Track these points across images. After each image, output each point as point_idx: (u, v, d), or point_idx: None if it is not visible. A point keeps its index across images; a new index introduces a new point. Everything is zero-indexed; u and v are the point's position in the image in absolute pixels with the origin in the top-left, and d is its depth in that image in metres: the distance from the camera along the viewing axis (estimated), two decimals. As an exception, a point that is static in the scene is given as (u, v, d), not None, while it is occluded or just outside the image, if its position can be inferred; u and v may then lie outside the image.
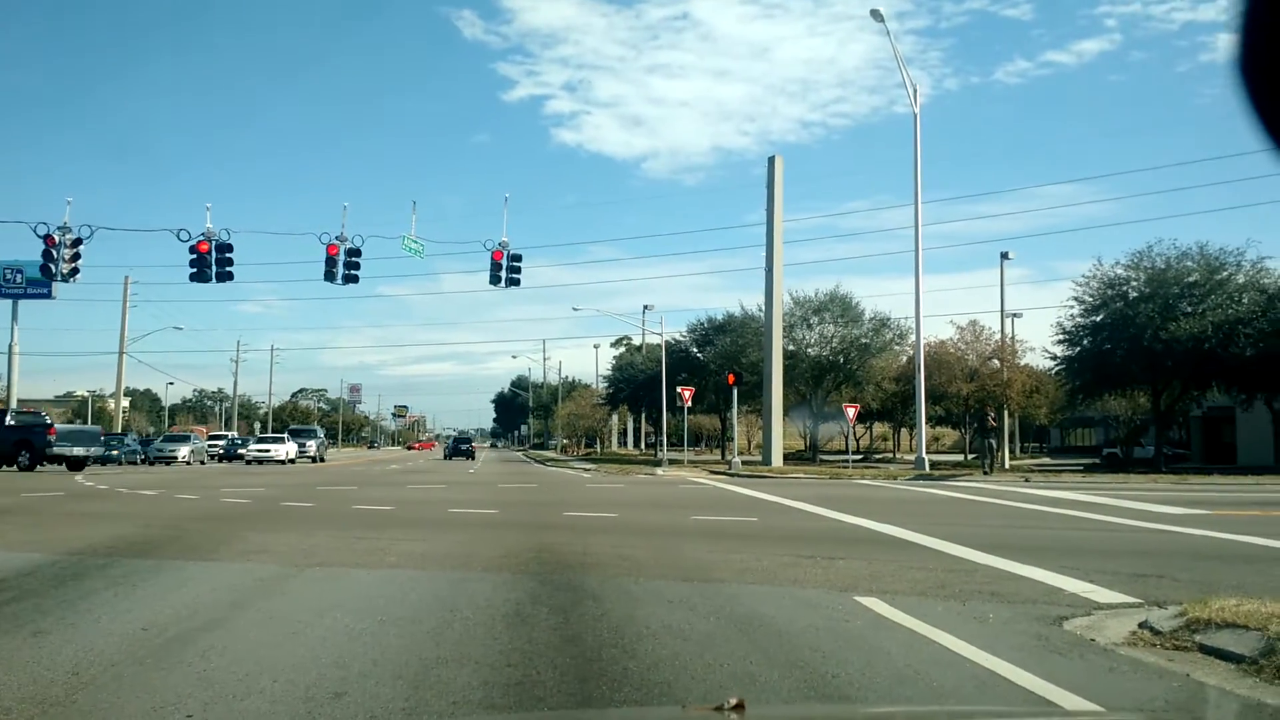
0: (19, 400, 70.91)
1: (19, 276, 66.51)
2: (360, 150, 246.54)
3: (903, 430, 76.47)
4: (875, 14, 35.12)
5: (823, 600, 8.00)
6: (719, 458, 56.42)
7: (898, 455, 67.81)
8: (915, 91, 36.33)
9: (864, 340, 51.54)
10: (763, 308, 45.22)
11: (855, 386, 52.08)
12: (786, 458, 45.33)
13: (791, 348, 48.97)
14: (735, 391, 43.66)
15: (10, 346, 65.69)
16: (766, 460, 41.12)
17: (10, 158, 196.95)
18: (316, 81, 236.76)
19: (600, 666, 5.71)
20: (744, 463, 40.82)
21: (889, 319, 52.31)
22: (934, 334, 50.74)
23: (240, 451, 58.86)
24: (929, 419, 43.55)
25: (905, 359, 50.68)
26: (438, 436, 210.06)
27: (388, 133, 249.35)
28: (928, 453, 37.15)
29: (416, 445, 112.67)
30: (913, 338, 41.62)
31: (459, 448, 77.07)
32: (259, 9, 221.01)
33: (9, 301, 67.14)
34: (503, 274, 36.19)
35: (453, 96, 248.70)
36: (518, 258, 36.53)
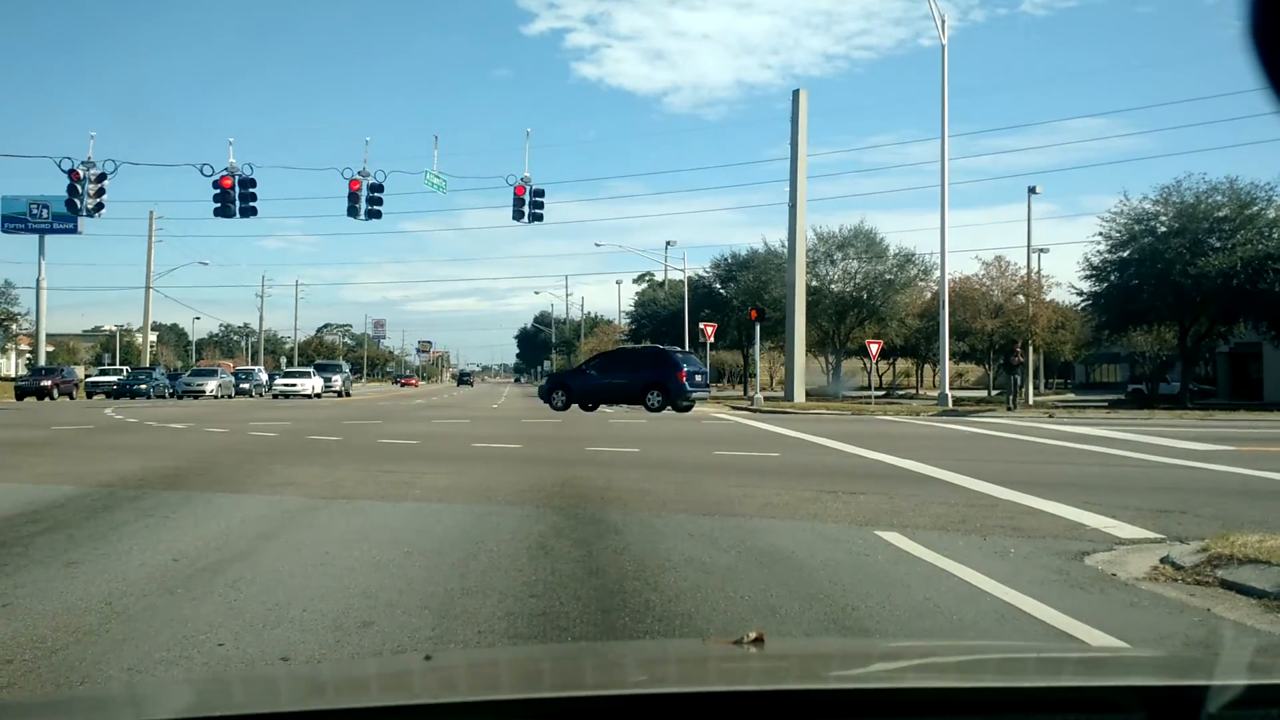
0: (47, 335, 71.65)
1: (45, 211, 66.87)
2: (382, 85, 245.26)
3: (926, 366, 76.27)
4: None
5: (843, 535, 8.05)
6: (741, 393, 56.50)
7: (921, 391, 67.74)
8: (943, 22, 35.70)
9: (888, 276, 51.29)
10: (786, 243, 44.93)
11: (879, 323, 51.88)
12: (809, 394, 45.33)
13: (815, 284, 48.79)
14: (758, 327, 43.54)
15: (38, 281, 66.23)
16: (789, 396, 41.11)
17: (35, 94, 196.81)
18: (338, 16, 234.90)
19: (623, 598, 5.78)
20: (766, 399, 40.85)
21: (913, 254, 52.10)
22: (959, 270, 50.58)
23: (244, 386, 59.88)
24: (953, 355, 43.44)
25: (929, 295, 50.48)
26: (461, 372, 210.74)
27: (409, 68, 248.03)
28: (951, 389, 37.06)
29: (404, 381, 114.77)
30: (937, 273, 41.40)
31: (463, 379, 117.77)
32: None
33: (35, 236, 67.62)
34: (525, 209, 36.11)
35: (473, 30, 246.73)
36: (540, 193, 36.44)
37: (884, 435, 20.63)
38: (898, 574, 6.57)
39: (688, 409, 31.79)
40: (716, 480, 12.08)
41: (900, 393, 65.31)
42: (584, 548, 7.37)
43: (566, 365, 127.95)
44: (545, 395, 35.39)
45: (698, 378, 33.57)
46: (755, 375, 49.84)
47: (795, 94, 43.16)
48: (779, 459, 15.36)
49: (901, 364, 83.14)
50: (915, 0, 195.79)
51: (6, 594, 5.83)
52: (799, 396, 40.56)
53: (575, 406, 32.31)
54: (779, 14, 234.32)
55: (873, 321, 52.03)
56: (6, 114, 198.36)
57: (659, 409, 30.81)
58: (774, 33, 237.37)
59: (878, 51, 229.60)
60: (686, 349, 47.52)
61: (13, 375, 74.81)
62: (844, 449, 16.90)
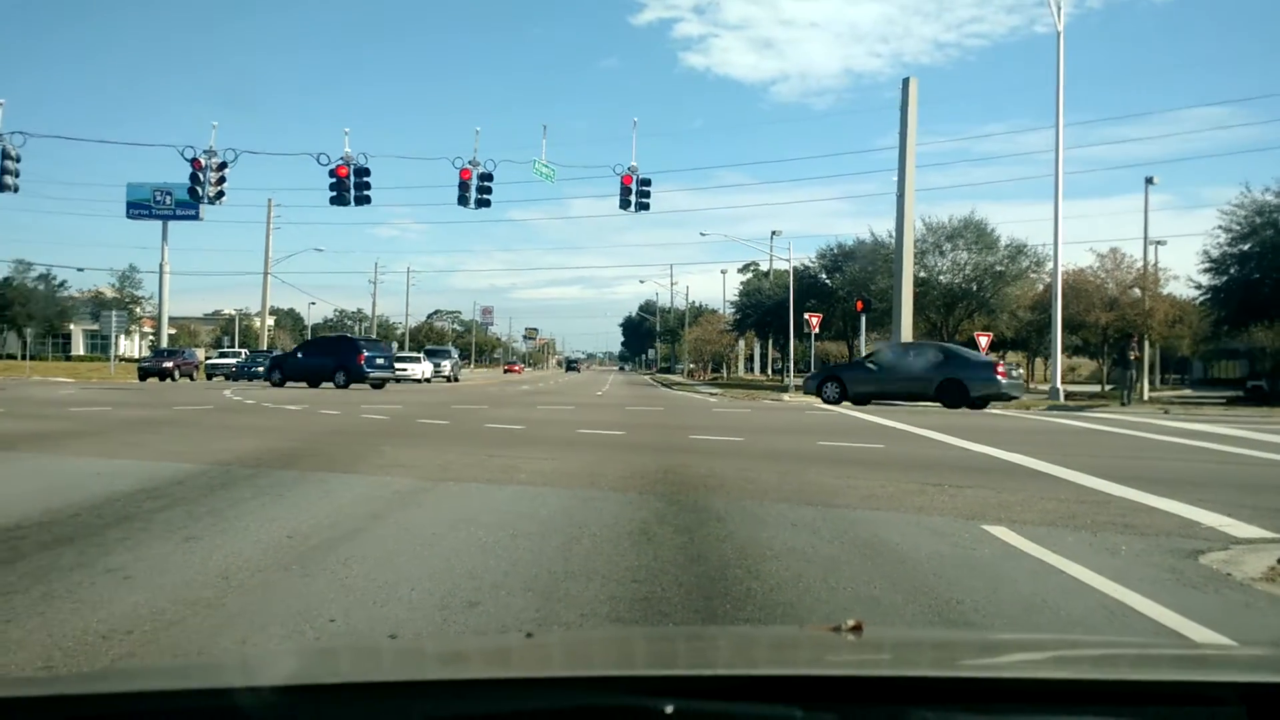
0: (169, 318, 74.31)
1: (169, 199, 69.31)
2: (492, 76, 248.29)
3: (1037, 360, 74.48)
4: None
5: (948, 528, 7.93)
6: (846, 384, 55.87)
7: (1031, 385, 66.06)
8: (1059, 8, 34.72)
9: (998, 267, 50.13)
10: (893, 234, 44.28)
11: (988, 315, 50.81)
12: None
13: (922, 274, 47.98)
14: (863, 318, 43.10)
15: (161, 266, 68.71)
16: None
17: (159, 85, 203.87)
18: (449, 8, 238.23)
19: (724, 585, 5.80)
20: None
21: (1025, 246, 50.78)
22: (1072, 261, 48.95)
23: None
24: (1065, 349, 42.35)
25: (1041, 287, 49.24)
26: (568, 359, 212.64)
27: (519, 58, 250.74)
28: (1063, 383, 36.12)
29: (509, 368, 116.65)
30: (1050, 265, 40.38)
31: (570, 366, 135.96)
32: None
33: (159, 222, 70.13)
34: (632, 198, 36.24)
35: (582, 21, 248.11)
36: (647, 182, 36.54)
37: (992, 429, 20.24)
38: (1004, 569, 6.46)
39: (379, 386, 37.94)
40: (819, 470, 12.00)
41: (1010, 386, 63.88)
42: (686, 534, 7.40)
43: (671, 353, 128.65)
44: (266, 373, 42.07)
45: (379, 361, 40.16)
46: (861, 366, 49.18)
47: (905, 82, 42.45)
48: (883, 450, 15.19)
49: (1011, 357, 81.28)
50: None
51: (128, 566, 6.08)
52: (905, 388, 39.92)
53: (694, 395, 32.46)
54: (889, 1, 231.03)
55: (982, 313, 50.98)
56: (133, 104, 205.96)
57: (345, 386, 37.00)
58: (883, 20, 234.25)
59: (990, 39, 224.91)
60: (791, 338, 47.10)
61: (136, 356, 77.85)
62: (950, 441, 16.63)
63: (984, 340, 39.44)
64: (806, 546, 7.01)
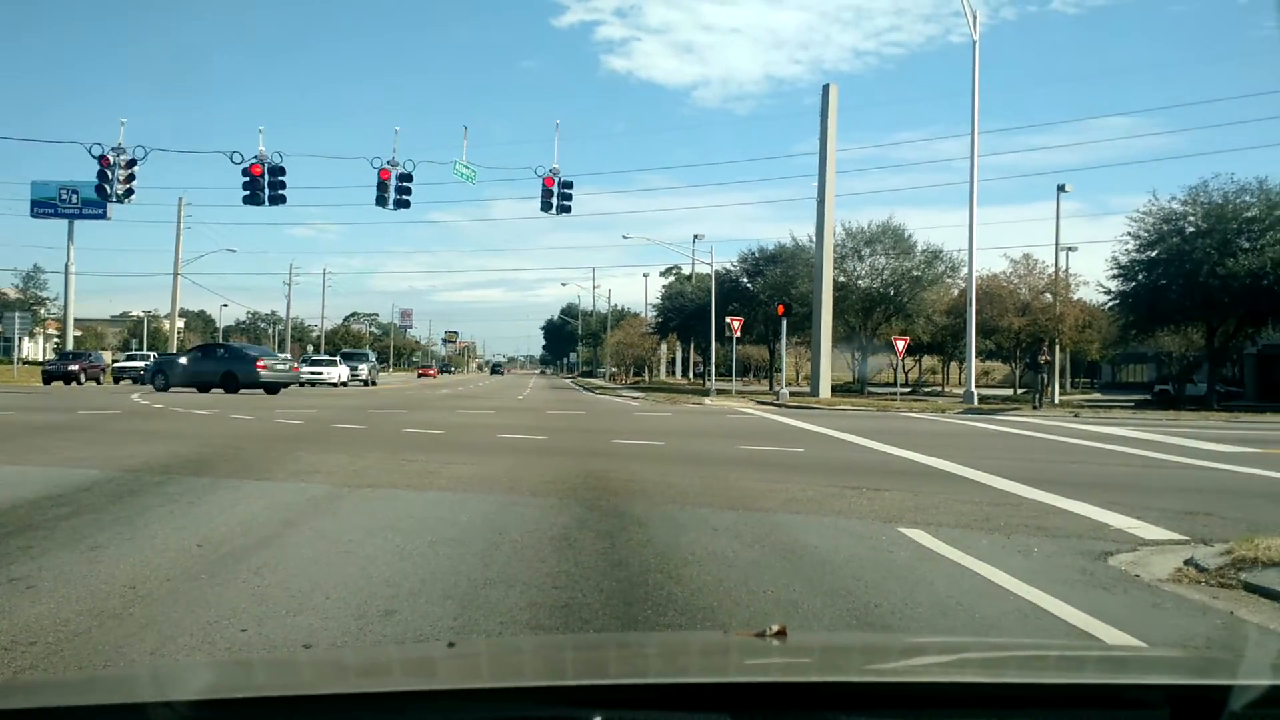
0: (75, 320, 72.26)
1: (74, 197, 67.38)
2: (412, 76, 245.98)
3: (952, 364, 75.89)
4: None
5: (867, 531, 8.02)
6: (767, 388, 56.39)
7: (947, 389, 67.42)
8: (975, 18, 35.41)
9: (915, 273, 50.93)
10: (814, 238, 44.77)
11: (905, 319, 51.60)
12: (835, 389, 45.18)
13: (842, 279, 48.54)
14: (784, 322, 43.44)
15: (66, 266, 66.75)
16: (814, 392, 41.01)
17: (64, 79, 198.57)
18: (368, 6, 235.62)
19: (645, 591, 5.78)
20: (792, 394, 40.77)
21: (941, 251, 51.65)
22: (987, 267, 50.27)
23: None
24: (979, 353, 43.15)
25: (957, 292, 50.13)
26: (486, 362, 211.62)
27: (439, 58, 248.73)
28: (977, 387, 36.83)
29: (422, 371, 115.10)
30: (965, 270, 41.11)
31: (495, 369, 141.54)
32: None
33: (65, 221, 68.14)
34: (554, 201, 36.10)
35: (503, 22, 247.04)
36: (569, 185, 36.41)
37: (909, 432, 20.56)
38: (921, 571, 6.54)
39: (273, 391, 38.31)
40: (740, 474, 12.06)
41: (926, 390, 64.99)
42: (607, 540, 7.38)
43: (593, 357, 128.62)
44: (150, 378, 41.61)
45: (278, 366, 40.93)
46: (781, 370, 49.76)
47: (825, 89, 42.98)
48: (803, 454, 15.32)
49: (928, 361, 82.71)
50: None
51: (31, 576, 5.89)
52: (824, 392, 40.45)
53: (616, 399, 32.46)
54: (809, 9, 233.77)
55: (900, 318, 51.74)
56: (36, 99, 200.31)
57: (234, 391, 37.05)
58: (804, 27, 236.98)
59: (908, 48, 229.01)
60: (712, 342, 47.49)
61: (40, 360, 75.63)
62: (869, 445, 16.84)
63: (900, 344, 40.02)
64: (727, 550, 7.03)
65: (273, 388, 38.02)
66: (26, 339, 75.71)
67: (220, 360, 39.63)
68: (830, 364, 43.90)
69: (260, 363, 38.49)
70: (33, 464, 12.11)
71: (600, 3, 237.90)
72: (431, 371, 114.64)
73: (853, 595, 5.79)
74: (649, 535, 7.61)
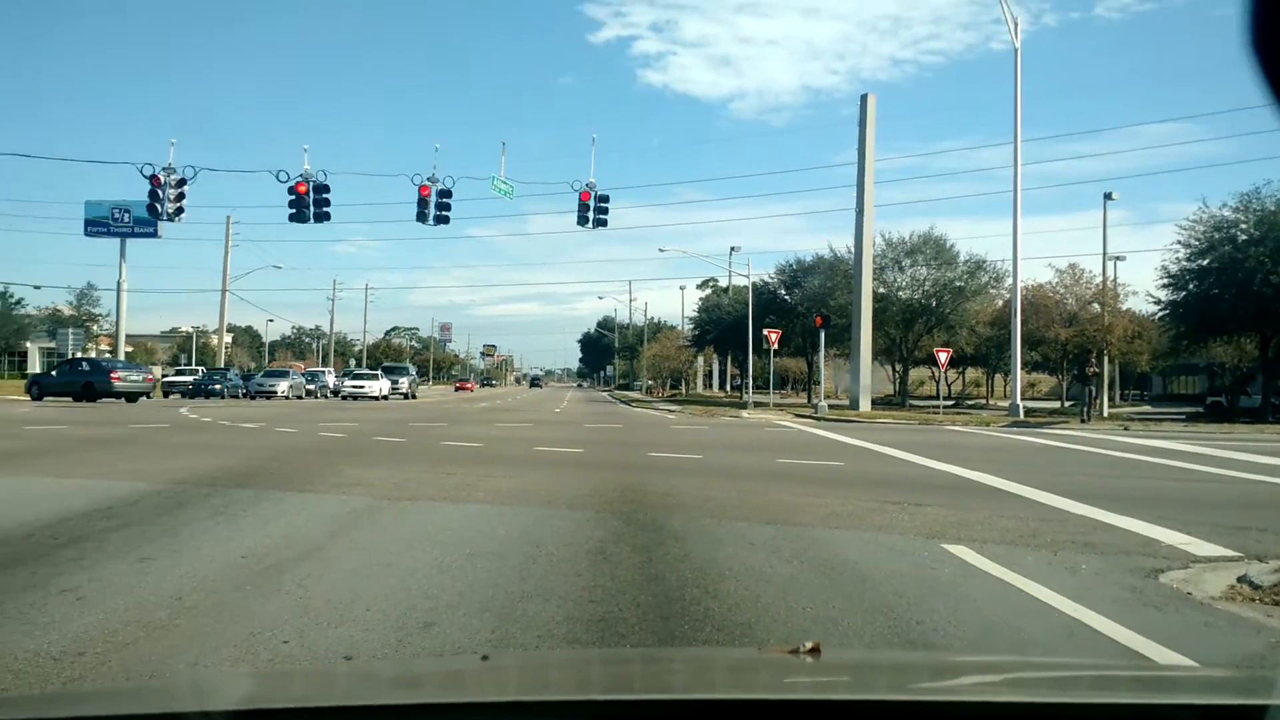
0: (126, 336, 73.36)
1: (127, 216, 68.50)
2: (451, 93, 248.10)
3: (997, 376, 75.13)
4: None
5: (909, 547, 7.94)
6: (805, 401, 56.15)
7: (991, 402, 66.72)
8: (1016, 24, 35.09)
9: (958, 283, 50.49)
10: (852, 249, 44.57)
11: (948, 330, 51.18)
12: (875, 402, 44.88)
13: (882, 290, 48.27)
14: (823, 334, 43.27)
15: (119, 283, 67.75)
16: (854, 405, 40.77)
17: (116, 100, 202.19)
18: (408, 26, 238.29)
19: (682, 606, 5.75)
20: (831, 407, 40.56)
21: (984, 261, 51.15)
22: (1032, 277, 49.23)
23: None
24: (1025, 365, 42.72)
25: (1001, 303, 49.65)
26: (524, 375, 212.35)
27: (477, 76, 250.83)
28: (1023, 399, 36.43)
29: (460, 385, 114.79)
30: (1009, 281, 40.76)
31: (534, 383, 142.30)
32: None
33: (117, 240, 69.29)
34: (590, 215, 36.22)
35: (540, 39, 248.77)
36: (605, 198, 36.54)
37: (952, 446, 20.37)
38: (965, 589, 6.46)
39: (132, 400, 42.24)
40: (779, 488, 12.00)
41: (970, 403, 64.39)
42: (644, 554, 7.36)
43: (630, 370, 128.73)
44: (28, 388, 45.96)
45: (132, 377, 44.39)
46: (820, 383, 49.54)
47: (863, 99, 42.86)
48: (843, 468, 15.23)
49: (971, 373, 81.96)
50: (985, 5, 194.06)
51: (81, 587, 5.96)
52: (864, 405, 40.21)
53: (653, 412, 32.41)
54: (846, 19, 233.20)
55: (942, 329, 51.34)
56: (90, 121, 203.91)
57: (94, 399, 41.02)
58: (840, 38, 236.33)
59: (947, 56, 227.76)
60: (749, 354, 47.50)
61: (93, 374, 76.67)
62: (911, 459, 16.71)
63: (943, 356, 39.66)
64: (765, 566, 6.98)
65: (131, 397, 42.45)
66: (79, 354, 76.99)
67: (82, 373, 43.73)
68: (870, 376, 43.65)
69: (115, 374, 42.81)
70: (84, 477, 12.28)
71: (637, 18, 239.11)
72: (469, 385, 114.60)
73: (894, 612, 5.72)
74: (686, 550, 7.59)
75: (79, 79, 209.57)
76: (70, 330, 59.60)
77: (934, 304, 50.70)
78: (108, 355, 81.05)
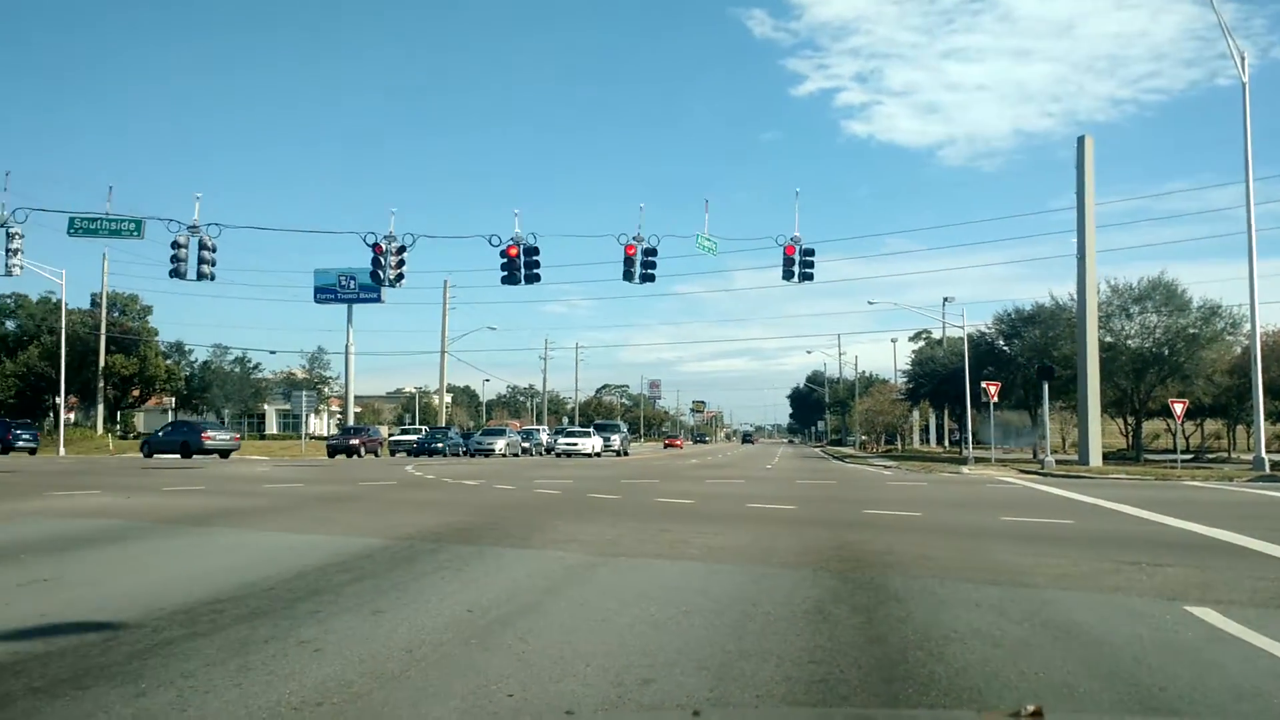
0: (354, 397, 77.50)
1: (352, 283, 72.96)
2: (654, 153, 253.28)
3: (1238, 428, 70.22)
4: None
5: (1147, 609, 7.48)
6: (1029, 456, 53.89)
7: (1233, 455, 62.35)
8: (1243, 58, 33.16)
9: (1191, 330, 47.63)
10: (1074, 297, 42.78)
11: (1182, 380, 48.26)
12: (1106, 456, 42.68)
13: (1109, 339, 46.08)
14: (1046, 386, 41.62)
15: (346, 347, 72.16)
16: (1083, 459, 38.90)
17: (341, 173, 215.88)
18: (612, 88, 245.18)
19: (906, 669, 5.58)
20: (1058, 462, 38.79)
21: (1220, 306, 48.13)
22: (1272, 322, 46.39)
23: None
24: (1269, 415, 39.78)
25: (1240, 350, 46.62)
26: (734, 431, 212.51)
27: (680, 134, 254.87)
28: (1269, 452, 33.90)
29: (669, 442, 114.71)
30: (1247, 326, 38.21)
31: (746, 438, 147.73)
32: (554, 19, 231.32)
33: (344, 305, 73.71)
34: (795, 269, 36.15)
35: (743, 95, 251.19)
36: (810, 252, 36.42)
37: (1191, 502, 19.13)
38: (1211, 653, 6.03)
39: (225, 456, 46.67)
40: (1004, 547, 11.54)
41: (1210, 456, 60.29)
42: (863, 614, 7.19)
43: (841, 425, 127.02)
44: (141, 448, 50.46)
45: (221, 437, 50.14)
46: (1045, 437, 47.49)
47: (1080, 141, 41.31)
48: (1073, 526, 14.51)
49: (1210, 425, 76.87)
50: (1208, 40, 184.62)
51: (319, 639, 6.28)
52: (1094, 459, 38.29)
53: (867, 468, 31.82)
54: (1059, 60, 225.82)
55: (1176, 379, 48.47)
56: (316, 195, 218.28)
57: (190, 455, 46.05)
58: (1054, 79, 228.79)
59: (1169, 94, 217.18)
60: (967, 407, 46.05)
61: (325, 434, 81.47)
62: (1147, 516, 15.78)
63: (1178, 408, 37.38)
64: (993, 628, 6.71)
65: (223, 453, 48.28)
66: (313, 415, 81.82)
67: (182, 434, 49.80)
68: (1100, 429, 41.58)
69: (206, 434, 48.88)
70: (319, 533, 12.98)
71: (840, 69, 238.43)
72: (679, 442, 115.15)
73: (1132, 678, 5.39)
74: (907, 610, 7.37)
75: (303, 156, 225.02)
76: (304, 393, 63.43)
77: (1166, 352, 47.97)
78: (339, 416, 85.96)
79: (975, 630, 6.62)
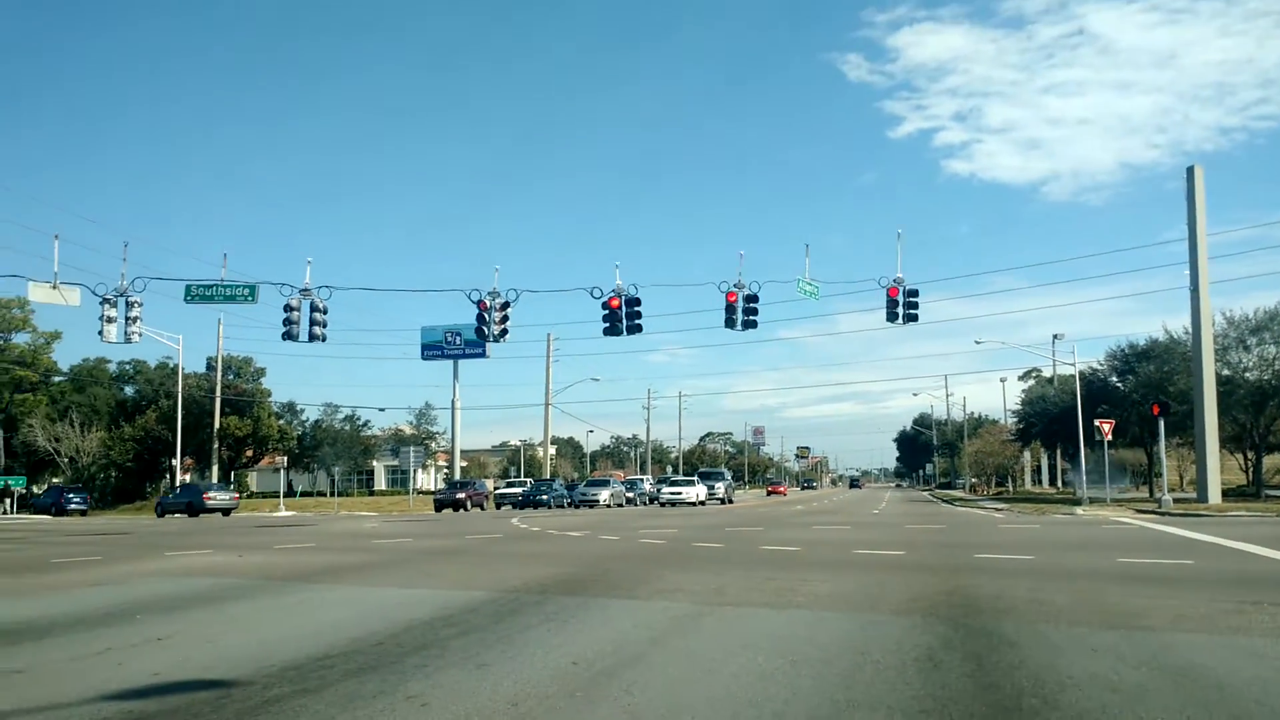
0: (460, 451, 78.58)
1: (458, 339, 74.35)
2: (754, 199, 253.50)
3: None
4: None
5: (1270, 650, 7.20)
6: (1146, 495, 52.16)
7: (1365, 489, 59.52)
8: (1362, 77, 32.12)
9: (1313, 361, 45.88)
10: (1189, 330, 41.53)
11: (1306, 413, 46.45)
12: (1225, 493, 41.11)
13: (1226, 372, 44.59)
14: (1161, 423, 40.32)
15: (453, 402, 73.22)
16: (1202, 497, 37.55)
17: (447, 237, 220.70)
18: (711, 137, 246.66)
19: (1019, 716, 5.47)
20: (1175, 500, 37.46)
21: (1343, 335, 46.31)
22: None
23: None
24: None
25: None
26: (840, 476, 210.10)
27: (778, 180, 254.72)
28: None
29: (772, 489, 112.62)
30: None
31: (854, 484, 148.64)
32: (648, 73, 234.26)
33: (450, 362, 75.06)
34: (899, 310, 35.72)
35: (839, 139, 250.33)
36: (914, 293, 35.96)
37: (1320, 540, 18.31)
38: (1343, 699, 5.78)
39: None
40: (1120, 590, 11.19)
41: (1339, 490, 57.68)
42: (974, 661, 7.05)
43: (950, 467, 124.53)
44: (156, 507, 57.28)
45: (221, 496, 56.57)
46: (1162, 475, 46.01)
47: (1189, 171, 40.32)
48: (1192, 566, 14.01)
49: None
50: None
51: (426, 694, 6.38)
52: (1214, 497, 36.94)
53: (977, 511, 31.15)
54: (1163, 91, 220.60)
55: (1298, 412, 46.65)
56: (421, 254, 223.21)
57: (196, 515, 49.86)
58: (1158, 111, 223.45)
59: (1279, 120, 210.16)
60: (1080, 446, 44.80)
61: (432, 489, 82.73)
62: (1269, 555, 15.17)
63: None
64: (1110, 673, 6.52)
65: (225, 511, 53.31)
66: (420, 470, 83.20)
67: (186, 495, 55.57)
68: (1218, 465, 40.13)
69: (207, 495, 54.27)
70: (426, 587, 13.18)
71: (938, 110, 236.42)
72: (782, 489, 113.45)
73: (1260, 725, 5.20)
74: (1020, 656, 7.21)
75: (406, 215, 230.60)
76: (411, 449, 64.56)
77: (1287, 384, 46.21)
78: (445, 470, 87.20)
79: (1091, 676, 6.45)
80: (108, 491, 76.14)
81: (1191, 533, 21.37)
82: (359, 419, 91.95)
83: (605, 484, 63.83)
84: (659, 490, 63.64)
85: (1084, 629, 8.40)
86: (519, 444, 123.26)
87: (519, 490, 62.77)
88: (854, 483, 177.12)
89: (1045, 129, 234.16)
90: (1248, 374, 46.80)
